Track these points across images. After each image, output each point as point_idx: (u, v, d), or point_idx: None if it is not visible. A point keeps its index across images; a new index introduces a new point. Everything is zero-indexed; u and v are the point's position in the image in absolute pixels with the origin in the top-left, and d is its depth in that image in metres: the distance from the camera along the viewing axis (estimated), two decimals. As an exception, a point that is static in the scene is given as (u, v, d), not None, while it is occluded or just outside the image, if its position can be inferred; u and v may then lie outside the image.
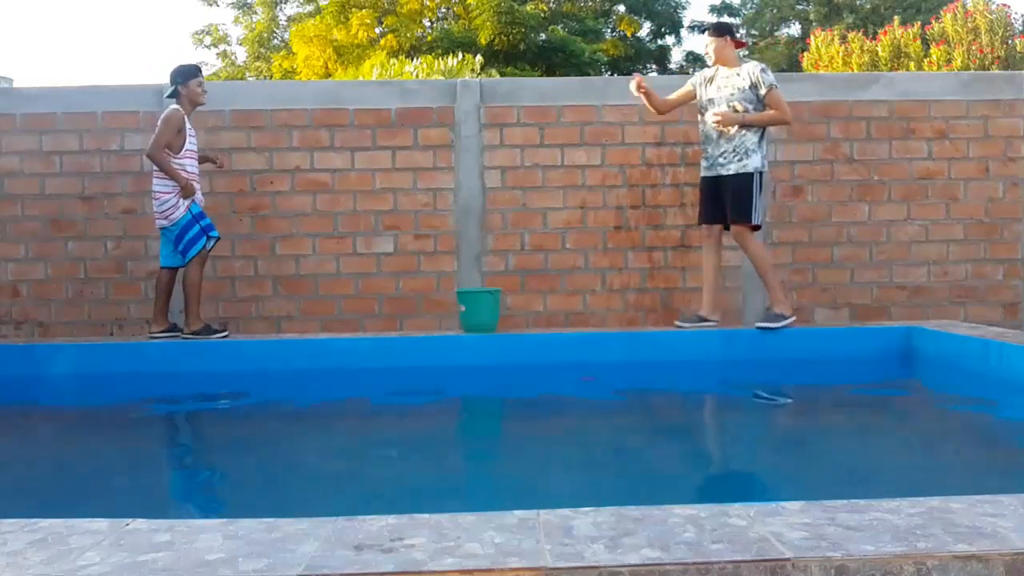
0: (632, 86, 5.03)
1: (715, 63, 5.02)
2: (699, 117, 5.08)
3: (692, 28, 27.15)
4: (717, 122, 4.85)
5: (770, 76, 4.88)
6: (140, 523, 1.60)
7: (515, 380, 4.62)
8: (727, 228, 5.00)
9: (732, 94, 4.88)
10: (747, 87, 4.87)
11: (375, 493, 2.67)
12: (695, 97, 5.11)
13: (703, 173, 5.05)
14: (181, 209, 4.92)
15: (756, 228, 4.95)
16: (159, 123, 4.93)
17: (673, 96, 5.18)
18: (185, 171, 4.94)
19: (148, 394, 4.47)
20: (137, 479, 2.93)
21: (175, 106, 4.97)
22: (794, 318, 4.91)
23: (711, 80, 5.03)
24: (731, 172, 4.87)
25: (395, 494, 2.64)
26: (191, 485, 2.98)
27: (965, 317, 5.68)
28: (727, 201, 4.90)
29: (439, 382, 4.62)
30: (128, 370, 4.70)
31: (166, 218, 4.94)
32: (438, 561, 1.38)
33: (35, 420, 4.06)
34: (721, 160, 4.91)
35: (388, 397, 4.36)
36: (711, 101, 4.97)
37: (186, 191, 4.91)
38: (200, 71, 5.15)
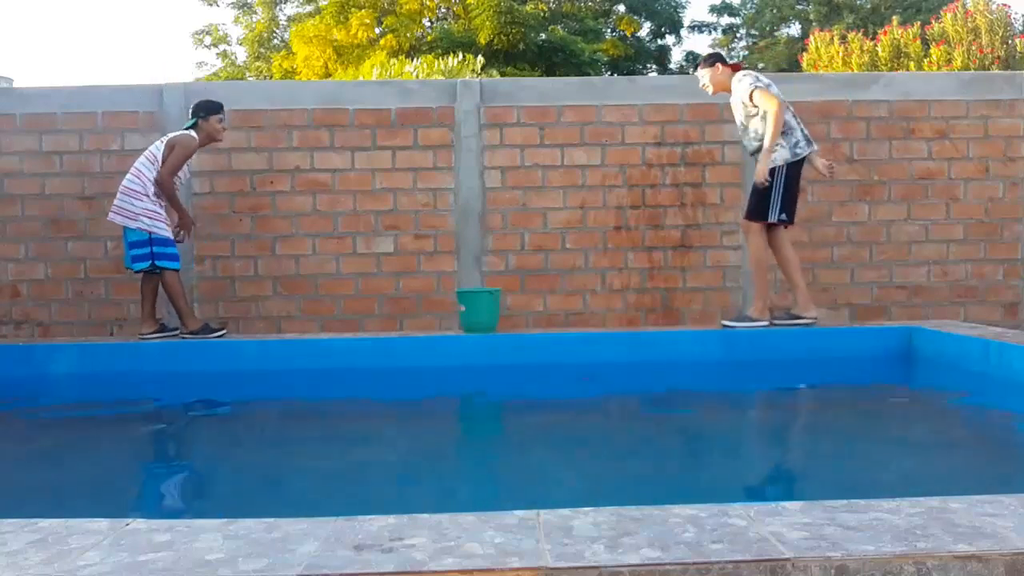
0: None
1: (715, 92, 5.08)
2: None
3: (692, 28, 27.19)
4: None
5: (748, 80, 4.88)
6: (140, 523, 1.60)
7: (515, 380, 4.62)
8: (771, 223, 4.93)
9: (742, 121, 4.95)
10: (744, 101, 4.90)
11: (375, 493, 2.67)
12: None
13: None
14: (139, 223, 4.82)
15: (786, 225, 4.93)
16: (174, 146, 4.85)
17: None
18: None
19: (148, 394, 4.47)
20: (137, 479, 2.93)
21: (192, 134, 4.93)
22: (765, 323, 4.91)
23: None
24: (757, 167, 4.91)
25: (395, 494, 2.64)
26: (191, 485, 2.98)
27: (965, 317, 5.68)
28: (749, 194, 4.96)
29: (439, 382, 4.62)
30: (128, 370, 4.70)
31: (121, 214, 4.85)
32: (438, 561, 1.38)
33: (35, 420, 4.05)
34: (754, 158, 4.97)
35: (388, 397, 4.36)
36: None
37: (184, 224, 4.98)
38: (223, 108, 5.05)
